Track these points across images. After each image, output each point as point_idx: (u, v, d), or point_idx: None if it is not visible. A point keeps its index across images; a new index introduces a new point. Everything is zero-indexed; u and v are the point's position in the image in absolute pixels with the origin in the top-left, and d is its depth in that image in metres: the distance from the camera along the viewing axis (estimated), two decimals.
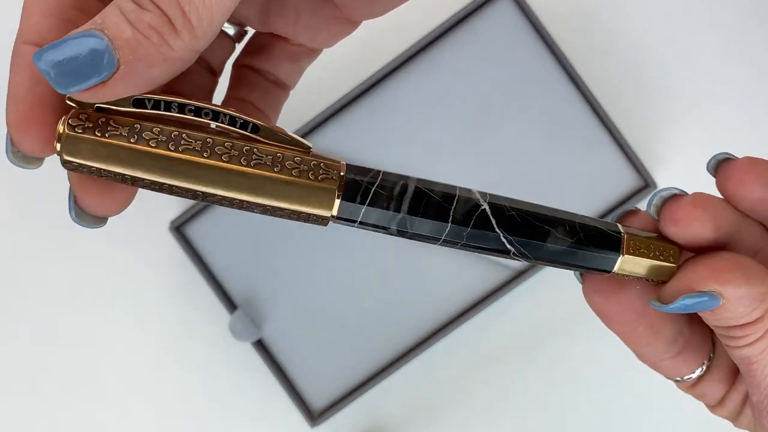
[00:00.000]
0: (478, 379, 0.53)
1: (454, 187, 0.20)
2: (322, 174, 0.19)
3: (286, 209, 0.19)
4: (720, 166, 0.22)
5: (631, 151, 0.51)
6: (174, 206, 0.53)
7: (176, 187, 0.18)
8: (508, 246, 0.20)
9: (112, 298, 0.54)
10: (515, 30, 0.52)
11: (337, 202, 0.19)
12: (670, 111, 0.53)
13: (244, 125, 0.19)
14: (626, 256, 0.21)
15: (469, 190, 0.21)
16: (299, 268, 0.52)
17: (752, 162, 0.22)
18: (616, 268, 0.21)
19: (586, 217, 0.22)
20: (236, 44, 0.26)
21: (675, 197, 0.21)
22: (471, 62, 0.52)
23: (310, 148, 0.19)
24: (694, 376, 0.24)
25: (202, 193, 0.19)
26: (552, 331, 0.53)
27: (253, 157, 0.19)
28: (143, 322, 0.54)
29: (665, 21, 0.54)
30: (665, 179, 0.52)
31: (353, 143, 0.52)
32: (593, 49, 0.53)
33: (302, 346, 0.52)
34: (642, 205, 0.51)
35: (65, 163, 0.18)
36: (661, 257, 0.21)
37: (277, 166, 0.19)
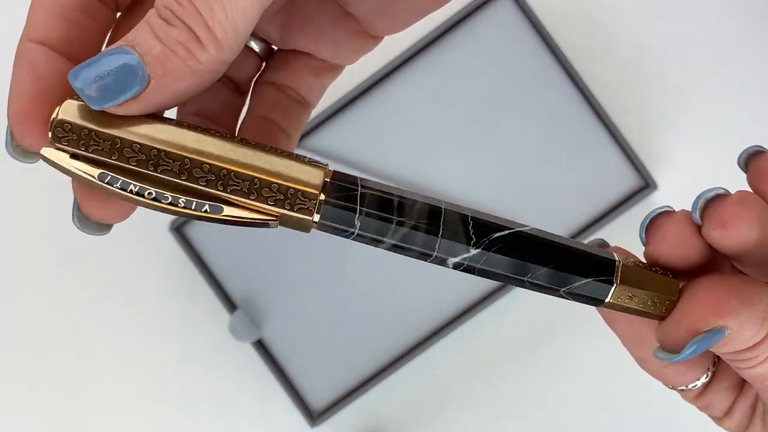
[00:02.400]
0: (478, 379, 0.53)
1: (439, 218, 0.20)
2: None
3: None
4: (752, 159, 0.21)
5: (631, 151, 0.51)
6: None
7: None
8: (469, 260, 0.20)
9: (112, 298, 0.54)
10: (515, 30, 0.52)
11: (315, 223, 0.19)
12: (670, 111, 0.53)
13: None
14: (621, 286, 0.20)
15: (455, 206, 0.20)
16: (299, 268, 0.52)
17: None
18: (609, 298, 0.20)
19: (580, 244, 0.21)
20: (263, 62, 0.26)
21: (719, 197, 0.20)
22: (471, 62, 0.52)
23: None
24: (699, 383, 0.23)
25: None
26: (552, 331, 0.53)
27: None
28: (143, 322, 0.54)
29: (665, 21, 0.54)
30: (665, 179, 0.52)
31: (353, 143, 0.52)
32: (593, 49, 0.53)
33: (302, 346, 0.52)
34: (643, 205, 0.51)
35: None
36: (656, 302, 0.20)
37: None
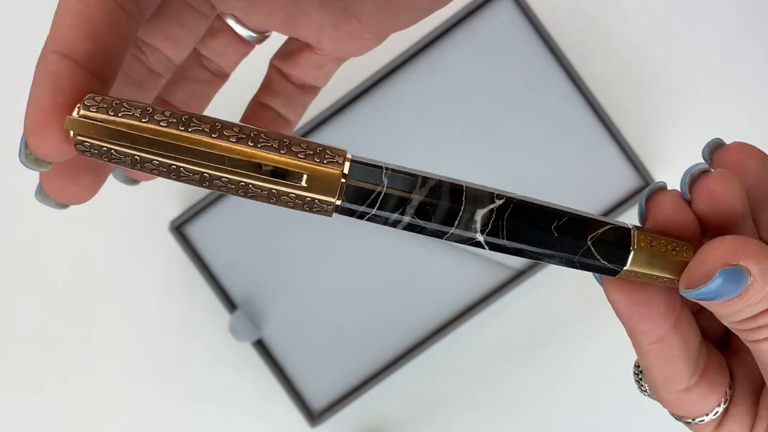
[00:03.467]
0: (478, 378, 0.53)
1: (462, 195, 0.21)
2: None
3: (291, 194, 0.19)
4: (715, 151, 0.23)
5: (631, 151, 0.51)
6: (174, 206, 0.53)
7: (184, 168, 0.19)
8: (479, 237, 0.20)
9: (112, 298, 0.54)
10: (515, 30, 0.52)
11: (341, 188, 0.19)
12: (670, 111, 0.53)
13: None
14: (638, 248, 0.21)
15: (476, 201, 0.21)
16: (299, 269, 0.52)
17: (743, 144, 0.23)
18: (627, 266, 0.21)
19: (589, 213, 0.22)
20: (256, 45, 0.26)
21: (706, 173, 0.21)
22: (471, 62, 0.52)
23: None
24: (720, 409, 0.22)
25: (209, 175, 0.19)
26: (552, 331, 0.53)
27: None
28: (143, 322, 0.54)
29: (665, 21, 0.54)
30: (665, 179, 0.51)
31: (353, 143, 0.52)
32: (593, 49, 0.53)
33: (302, 346, 0.52)
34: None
35: (78, 144, 0.19)
36: (674, 252, 0.21)
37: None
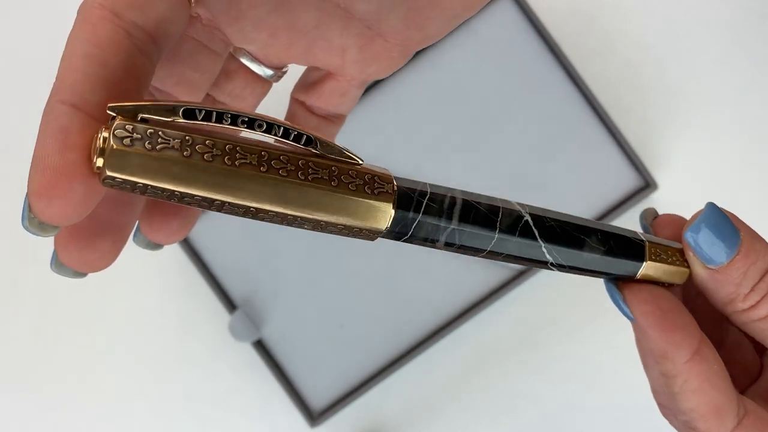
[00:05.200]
0: (478, 379, 0.53)
1: (496, 199, 0.21)
2: (378, 187, 0.19)
3: (339, 224, 0.18)
4: (653, 222, 0.25)
5: (631, 151, 0.51)
6: None
7: (229, 203, 0.17)
8: (548, 256, 0.21)
9: (111, 298, 0.54)
10: (515, 30, 0.52)
11: (392, 213, 0.19)
12: (670, 111, 0.53)
13: (298, 137, 0.18)
14: (649, 262, 0.22)
15: (508, 202, 0.21)
16: (299, 268, 0.52)
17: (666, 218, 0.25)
18: (639, 274, 0.22)
19: (612, 225, 0.23)
20: (274, 83, 0.25)
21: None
22: (471, 62, 0.52)
23: (362, 161, 0.19)
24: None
25: (255, 209, 0.17)
26: (552, 331, 0.53)
27: (310, 171, 0.18)
28: (143, 321, 0.54)
29: (665, 21, 0.54)
30: (665, 179, 0.52)
31: (353, 143, 0.52)
32: (593, 49, 0.53)
33: (302, 346, 0.52)
34: (643, 205, 0.51)
35: (106, 179, 0.16)
36: (677, 262, 0.23)
37: (334, 180, 0.18)
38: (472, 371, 0.53)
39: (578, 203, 0.51)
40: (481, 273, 0.51)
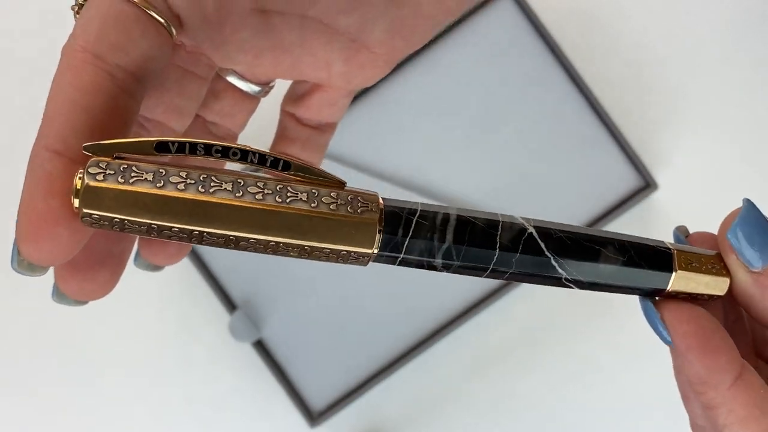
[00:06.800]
0: (478, 379, 0.53)
1: (496, 214, 0.20)
2: (361, 207, 0.18)
3: (325, 248, 0.18)
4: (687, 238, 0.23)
5: (631, 151, 0.51)
6: None
7: (207, 233, 0.17)
8: (560, 270, 0.19)
9: (111, 298, 0.54)
10: (515, 30, 0.52)
11: (378, 237, 0.18)
12: (670, 111, 0.53)
13: (275, 163, 0.18)
14: (680, 272, 0.20)
15: (511, 216, 0.20)
16: (299, 269, 0.52)
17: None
18: (669, 286, 0.20)
19: (631, 236, 0.21)
20: (261, 99, 0.25)
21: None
22: (471, 62, 0.52)
23: (344, 183, 0.18)
24: None
25: (236, 237, 0.17)
26: (552, 332, 0.53)
27: (288, 194, 0.17)
28: (143, 322, 0.54)
29: (665, 21, 0.54)
30: (666, 179, 0.52)
31: (352, 143, 0.52)
32: (593, 49, 0.53)
33: (302, 347, 0.52)
34: (643, 205, 0.51)
35: (85, 217, 0.17)
36: (713, 270, 0.20)
37: (314, 202, 0.17)
38: (472, 371, 0.53)
39: (578, 203, 0.51)
40: None
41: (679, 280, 0.20)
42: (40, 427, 0.53)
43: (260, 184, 0.17)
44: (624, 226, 0.51)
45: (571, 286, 0.20)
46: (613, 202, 0.51)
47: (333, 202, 0.18)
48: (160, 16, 0.18)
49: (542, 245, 0.19)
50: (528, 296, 0.52)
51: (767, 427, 0.19)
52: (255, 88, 0.24)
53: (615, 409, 0.52)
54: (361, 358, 0.51)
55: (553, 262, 0.19)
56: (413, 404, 0.53)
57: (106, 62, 0.17)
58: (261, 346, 0.51)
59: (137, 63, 0.18)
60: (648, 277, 0.20)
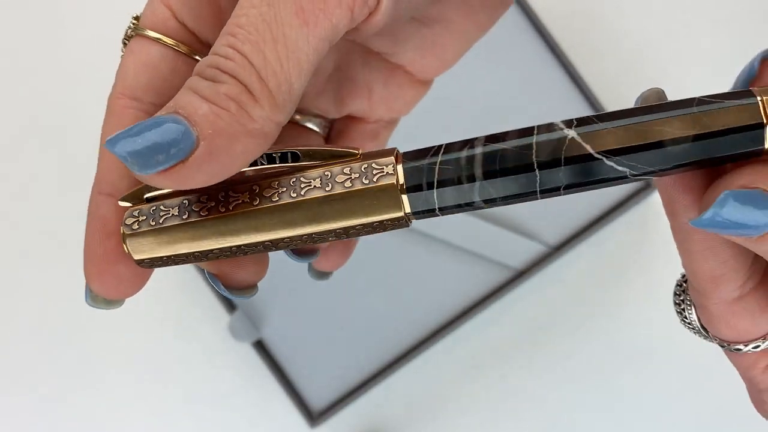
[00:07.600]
0: (478, 379, 0.53)
1: (532, 128, 0.18)
2: (377, 173, 0.17)
3: (356, 225, 0.17)
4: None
5: None
6: None
7: (242, 245, 0.18)
8: (620, 168, 0.17)
9: None
10: (515, 30, 0.52)
11: (404, 197, 0.17)
12: None
13: (284, 158, 0.18)
14: None
15: (549, 125, 0.18)
16: (299, 269, 0.52)
17: None
18: None
19: (694, 99, 0.18)
20: (324, 138, 0.25)
21: None
22: (470, 62, 0.52)
23: (357, 151, 0.18)
24: None
25: (270, 241, 0.18)
26: (552, 331, 0.53)
27: (302, 185, 0.17)
28: (142, 322, 0.54)
29: (665, 21, 0.54)
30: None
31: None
32: (594, 49, 0.53)
33: (302, 347, 0.52)
34: (643, 205, 0.51)
35: (139, 263, 0.18)
36: None
37: (328, 185, 0.17)
38: (473, 371, 0.53)
39: (578, 202, 0.51)
40: (481, 273, 0.51)
41: None
42: (40, 426, 0.53)
43: (275, 184, 0.18)
44: (624, 226, 0.51)
45: (642, 177, 0.17)
46: (613, 202, 0.51)
47: (347, 179, 0.17)
48: (182, 49, 0.19)
49: (588, 148, 0.17)
50: (528, 296, 0.52)
51: None
52: (310, 122, 0.24)
53: (615, 409, 0.52)
54: (361, 358, 0.51)
55: (609, 162, 0.17)
56: (413, 404, 0.53)
57: (143, 102, 0.19)
58: (261, 346, 0.51)
59: (171, 97, 0.18)
60: (734, 143, 0.17)
